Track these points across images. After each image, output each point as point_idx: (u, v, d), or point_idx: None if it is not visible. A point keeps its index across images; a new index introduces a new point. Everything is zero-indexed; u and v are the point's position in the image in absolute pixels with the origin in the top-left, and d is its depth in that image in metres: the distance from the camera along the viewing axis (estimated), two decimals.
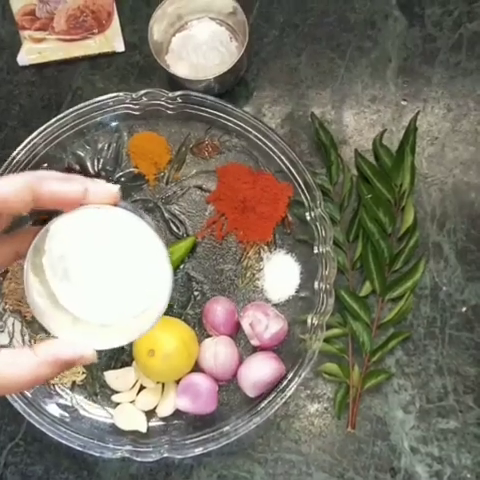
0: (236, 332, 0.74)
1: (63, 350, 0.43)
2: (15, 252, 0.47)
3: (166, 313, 0.74)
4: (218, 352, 0.71)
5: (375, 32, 0.81)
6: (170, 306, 0.75)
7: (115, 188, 0.44)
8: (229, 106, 0.76)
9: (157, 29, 0.76)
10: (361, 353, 0.73)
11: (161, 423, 0.72)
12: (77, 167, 0.78)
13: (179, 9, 0.78)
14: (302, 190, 0.74)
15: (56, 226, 0.43)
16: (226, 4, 0.77)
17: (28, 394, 0.72)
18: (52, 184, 0.43)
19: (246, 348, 0.74)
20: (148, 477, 0.73)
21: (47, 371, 0.43)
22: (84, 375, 0.74)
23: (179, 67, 0.77)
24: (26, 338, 0.74)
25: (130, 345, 0.73)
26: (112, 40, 0.82)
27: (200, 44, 0.77)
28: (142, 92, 0.76)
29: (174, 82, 0.77)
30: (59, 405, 0.73)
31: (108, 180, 0.78)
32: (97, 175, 0.78)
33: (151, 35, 0.75)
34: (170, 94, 0.75)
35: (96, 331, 0.46)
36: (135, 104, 0.77)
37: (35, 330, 0.75)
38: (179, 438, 0.71)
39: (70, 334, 0.45)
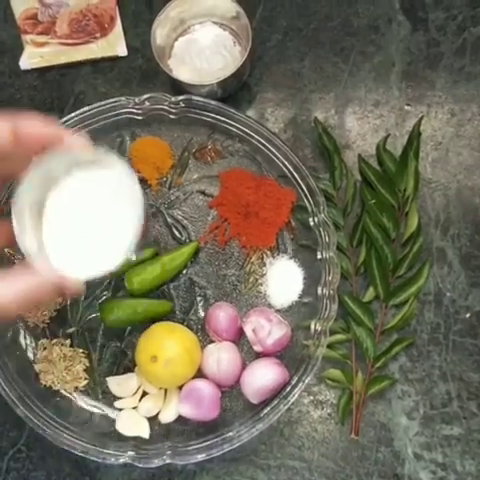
0: (239, 338, 0.73)
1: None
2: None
3: (168, 318, 0.74)
4: (221, 358, 0.70)
5: (379, 36, 0.80)
6: (173, 312, 0.75)
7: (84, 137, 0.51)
8: (232, 111, 0.75)
9: (160, 33, 0.76)
10: (364, 359, 0.72)
11: (164, 429, 0.72)
12: None
13: (182, 13, 0.78)
14: (305, 195, 0.74)
15: (36, 170, 0.50)
16: (229, 8, 0.76)
17: (30, 400, 0.71)
18: (31, 123, 0.49)
19: (249, 354, 0.73)
20: None
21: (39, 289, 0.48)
22: (86, 381, 0.74)
23: (182, 72, 0.77)
24: (29, 342, 0.74)
25: (132, 351, 0.73)
26: (115, 44, 0.82)
27: (203, 48, 0.77)
28: (145, 97, 0.75)
29: (177, 86, 0.77)
30: (61, 411, 0.72)
31: None
32: None
33: (154, 39, 0.75)
34: (173, 99, 0.75)
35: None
36: (138, 109, 0.76)
37: (37, 336, 0.75)
38: (182, 444, 0.70)
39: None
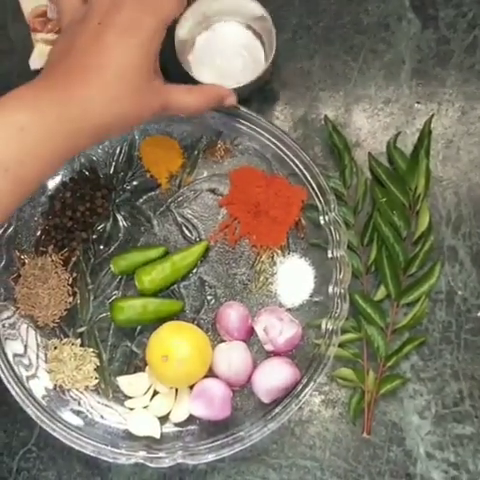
0: (250, 337, 0.73)
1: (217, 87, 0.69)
2: None
3: (179, 318, 0.74)
4: (232, 357, 0.70)
5: (389, 34, 0.80)
6: (183, 311, 0.75)
7: None
8: (242, 109, 0.75)
9: (182, 29, 0.75)
10: (376, 358, 0.72)
11: (175, 429, 0.72)
12: (89, 170, 0.77)
13: (207, 10, 0.76)
14: (316, 194, 0.73)
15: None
16: (254, 9, 0.75)
17: (41, 400, 0.71)
18: None
19: (260, 353, 0.73)
20: None
21: (209, 100, 0.67)
22: (97, 380, 0.73)
23: (201, 71, 0.75)
24: (40, 343, 0.74)
25: (143, 350, 0.73)
26: None
27: (225, 47, 0.76)
28: None
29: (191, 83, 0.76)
30: (72, 411, 0.72)
31: (121, 184, 0.77)
32: (109, 179, 0.77)
33: (177, 34, 0.74)
34: None
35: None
36: None
37: (47, 335, 0.75)
38: (193, 444, 0.70)
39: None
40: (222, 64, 0.76)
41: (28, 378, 0.72)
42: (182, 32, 0.75)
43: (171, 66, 0.72)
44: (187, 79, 0.73)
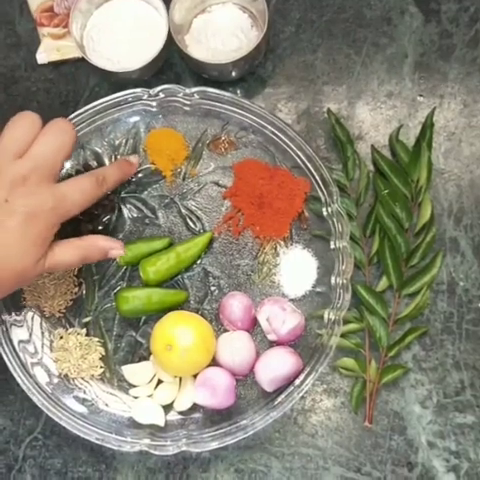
0: (253, 327, 0.74)
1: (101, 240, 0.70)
2: None
3: (183, 308, 0.75)
4: (235, 347, 0.71)
5: (391, 28, 0.81)
6: (187, 301, 0.75)
7: None
8: (245, 102, 0.76)
9: (178, 10, 0.76)
10: (378, 348, 0.73)
11: (179, 417, 0.73)
12: (95, 163, 0.78)
13: None
14: (319, 186, 0.74)
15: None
16: None
17: (47, 388, 0.72)
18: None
19: (263, 343, 0.74)
20: (165, 470, 0.74)
21: (87, 253, 0.67)
22: (102, 369, 0.74)
23: (196, 50, 0.77)
24: (45, 331, 0.75)
25: (147, 340, 0.74)
26: None
27: (220, 29, 0.78)
28: (159, 88, 0.76)
29: (190, 66, 0.78)
30: (77, 399, 0.73)
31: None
32: None
33: (172, 16, 0.75)
34: (187, 90, 0.76)
35: None
36: (152, 100, 0.77)
37: (53, 325, 0.76)
38: (196, 432, 0.71)
39: None
40: (216, 45, 0.78)
41: (33, 365, 0.73)
42: (178, 16, 0.76)
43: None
44: (182, 55, 0.76)
